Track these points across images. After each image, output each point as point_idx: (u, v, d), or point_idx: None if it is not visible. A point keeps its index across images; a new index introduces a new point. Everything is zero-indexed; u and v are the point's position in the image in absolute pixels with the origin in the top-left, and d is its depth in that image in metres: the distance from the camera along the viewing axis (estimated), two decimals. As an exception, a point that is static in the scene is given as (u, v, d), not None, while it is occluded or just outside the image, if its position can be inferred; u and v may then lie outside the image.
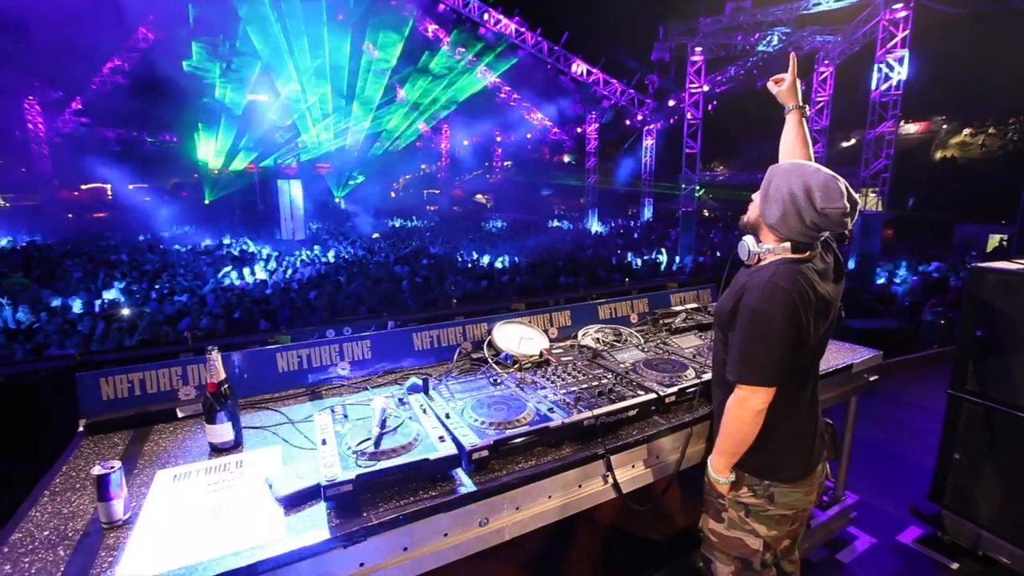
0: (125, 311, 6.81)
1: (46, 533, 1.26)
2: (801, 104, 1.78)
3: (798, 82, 1.79)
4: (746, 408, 1.47)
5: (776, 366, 1.42)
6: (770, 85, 1.85)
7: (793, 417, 1.57)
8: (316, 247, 14.84)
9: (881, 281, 11.36)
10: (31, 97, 19.70)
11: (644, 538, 2.34)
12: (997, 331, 2.49)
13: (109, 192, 23.90)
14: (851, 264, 12.99)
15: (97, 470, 1.26)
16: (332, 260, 12.96)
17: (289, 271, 11.13)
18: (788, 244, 1.50)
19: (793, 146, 1.77)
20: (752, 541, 1.61)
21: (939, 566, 2.68)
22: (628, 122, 22.47)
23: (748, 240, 1.56)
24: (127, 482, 1.34)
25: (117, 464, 1.29)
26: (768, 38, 16.32)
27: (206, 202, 24.66)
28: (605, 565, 2.29)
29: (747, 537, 1.62)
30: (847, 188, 1.42)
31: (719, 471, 1.60)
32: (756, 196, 1.59)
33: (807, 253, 1.52)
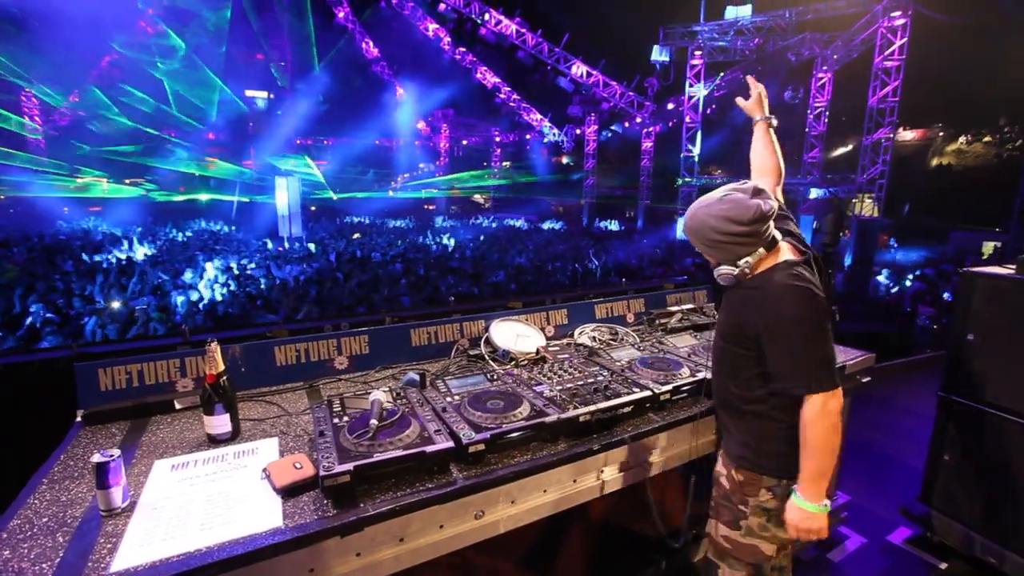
0: (116, 304, 6.73)
1: (45, 520, 1.26)
2: (767, 115, 1.92)
3: (763, 96, 1.93)
4: (828, 414, 1.42)
5: (833, 361, 1.46)
6: (739, 100, 2.01)
7: None
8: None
9: (878, 287, 11.44)
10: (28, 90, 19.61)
11: (637, 533, 2.36)
12: (987, 334, 2.53)
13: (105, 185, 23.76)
14: (847, 261, 13.06)
15: (96, 458, 1.27)
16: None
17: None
18: (760, 250, 1.49)
19: (763, 151, 1.90)
20: (767, 547, 1.61)
21: (928, 566, 2.71)
22: (627, 124, 22.54)
23: (724, 268, 1.52)
24: (125, 471, 1.35)
25: (116, 452, 1.29)
26: (766, 43, 16.41)
27: (204, 199, 24.59)
28: (598, 560, 2.30)
29: (763, 544, 1.61)
30: (745, 189, 1.46)
31: (816, 499, 1.47)
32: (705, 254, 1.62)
33: (794, 251, 1.55)
